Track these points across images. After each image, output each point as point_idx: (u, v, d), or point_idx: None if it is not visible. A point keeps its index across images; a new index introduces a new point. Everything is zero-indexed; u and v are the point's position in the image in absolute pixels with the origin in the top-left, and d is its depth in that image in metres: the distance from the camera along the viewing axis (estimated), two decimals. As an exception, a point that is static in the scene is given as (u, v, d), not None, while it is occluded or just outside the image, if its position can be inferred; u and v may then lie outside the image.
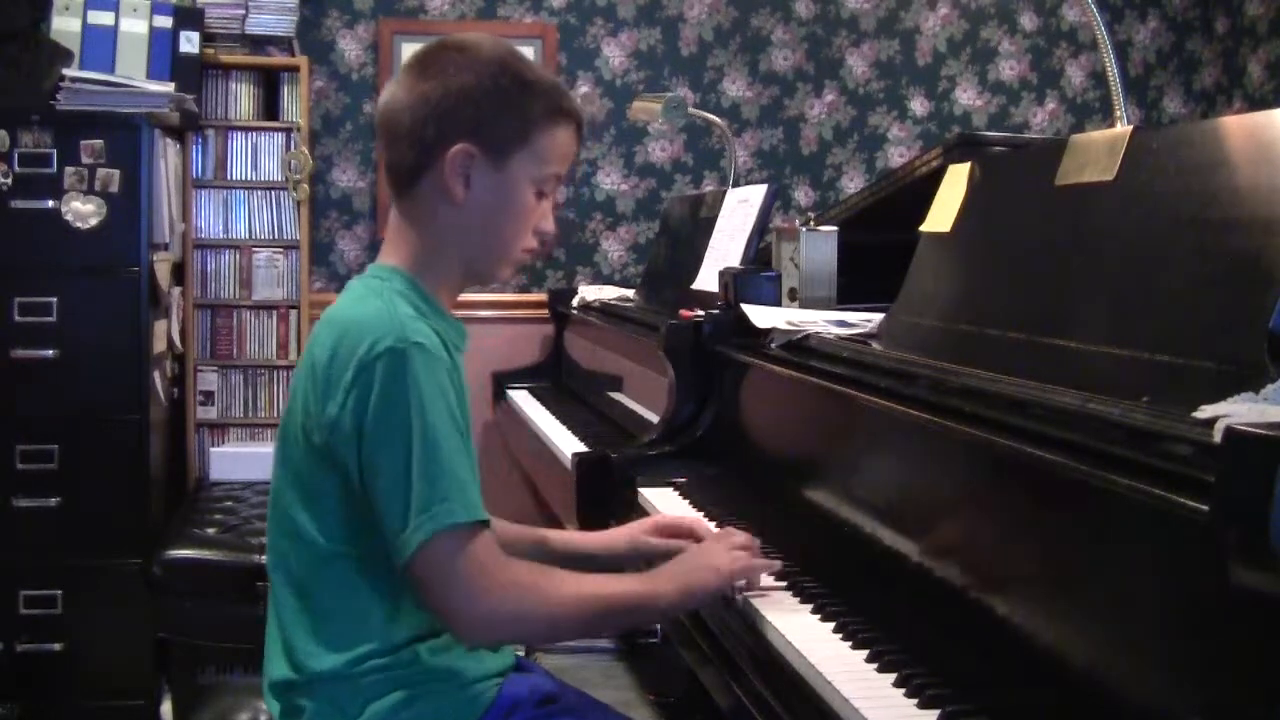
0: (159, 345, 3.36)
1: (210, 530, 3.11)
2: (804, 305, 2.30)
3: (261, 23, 3.73)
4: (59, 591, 3.15)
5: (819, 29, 4.20)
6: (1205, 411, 0.98)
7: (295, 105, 3.75)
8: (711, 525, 1.77)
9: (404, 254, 1.44)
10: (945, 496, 1.45)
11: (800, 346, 1.93)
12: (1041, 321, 1.49)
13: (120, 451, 3.20)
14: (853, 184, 4.19)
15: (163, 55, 3.48)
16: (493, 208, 1.42)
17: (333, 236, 4.02)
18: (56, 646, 3.14)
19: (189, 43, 3.52)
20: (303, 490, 1.38)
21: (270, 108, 3.79)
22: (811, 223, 2.38)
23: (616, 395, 2.97)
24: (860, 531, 1.63)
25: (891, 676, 1.22)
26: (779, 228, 2.45)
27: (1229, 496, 0.91)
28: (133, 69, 3.43)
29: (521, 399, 3.50)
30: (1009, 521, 1.30)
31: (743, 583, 1.50)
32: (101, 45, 3.43)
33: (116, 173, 3.19)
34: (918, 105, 4.27)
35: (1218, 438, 0.93)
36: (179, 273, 3.64)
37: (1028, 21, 4.31)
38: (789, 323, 2.01)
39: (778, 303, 2.33)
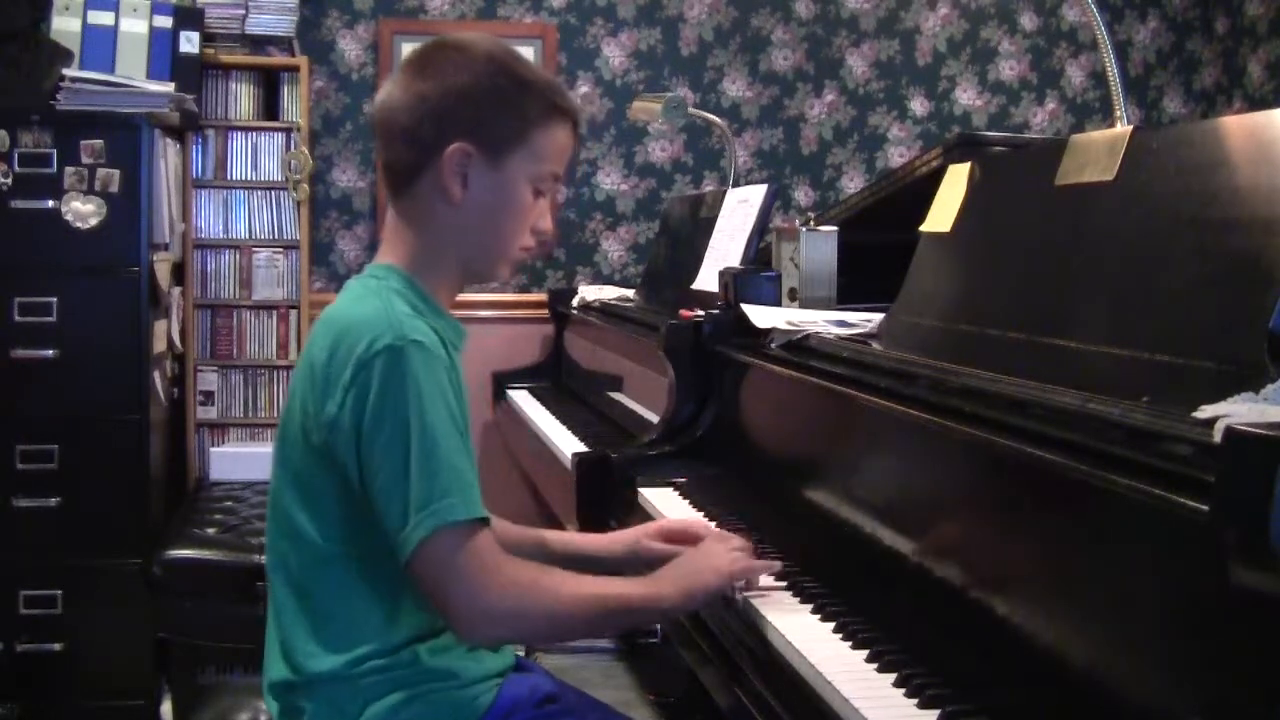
0: (159, 345, 3.36)
1: (210, 530, 3.10)
2: (804, 305, 2.30)
3: (261, 23, 3.73)
4: (59, 591, 3.15)
5: (819, 29, 4.20)
6: (1205, 411, 0.98)
7: (295, 105, 3.75)
8: (713, 526, 1.76)
9: (402, 253, 1.44)
10: (945, 496, 1.45)
11: (800, 346, 1.93)
12: (1041, 321, 1.48)
13: (120, 451, 3.20)
14: (853, 184, 4.19)
15: (163, 55, 3.48)
16: (491, 207, 1.42)
17: (333, 236, 4.02)
18: (56, 646, 3.14)
19: (189, 43, 3.52)
20: (302, 490, 1.38)
21: (270, 108, 3.79)
22: (811, 223, 2.38)
23: (616, 395, 2.97)
24: (860, 531, 1.63)
25: (891, 676, 1.22)
26: (779, 228, 2.45)
27: (1229, 496, 0.91)
28: (133, 69, 3.43)
29: (521, 399, 3.50)
30: (1009, 521, 1.30)
31: (742, 583, 1.50)
32: (101, 45, 3.43)
33: (116, 173, 3.19)
34: (918, 105, 4.27)
35: (1218, 438, 0.93)
36: (179, 273, 3.64)
37: (1028, 21, 4.31)
38: (789, 323, 2.01)
39: (778, 303, 2.33)
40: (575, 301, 3.47)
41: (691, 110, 3.44)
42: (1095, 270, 1.45)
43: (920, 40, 4.25)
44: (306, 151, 3.71)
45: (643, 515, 2.04)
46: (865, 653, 1.29)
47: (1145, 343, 1.28)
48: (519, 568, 1.34)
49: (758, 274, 2.39)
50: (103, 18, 3.44)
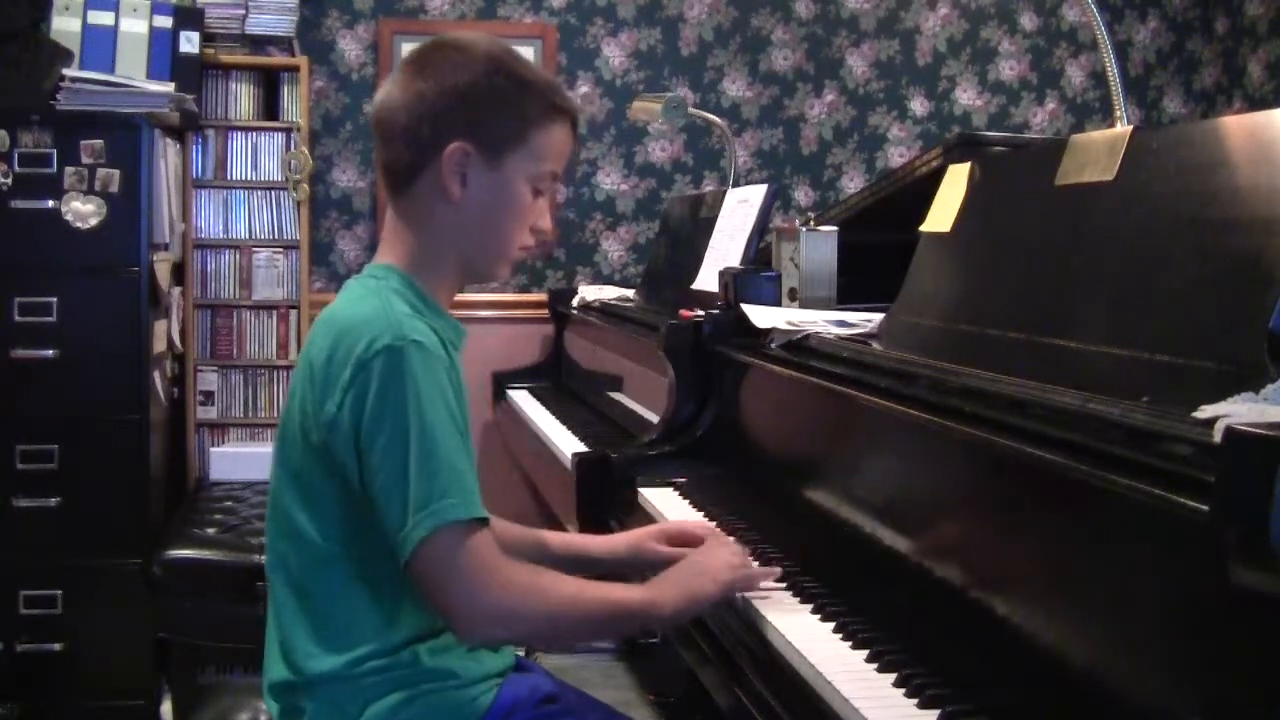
0: (159, 345, 3.36)
1: (210, 530, 3.10)
2: (804, 305, 2.30)
3: (261, 23, 3.73)
4: (59, 591, 3.15)
5: (819, 29, 4.20)
6: (1205, 411, 0.98)
7: (295, 105, 3.75)
8: (715, 529, 1.76)
9: (401, 253, 1.44)
10: (945, 496, 1.44)
11: (800, 346, 1.93)
12: (1041, 321, 1.48)
13: (120, 451, 3.20)
14: (853, 184, 4.19)
15: (163, 55, 3.48)
16: (489, 206, 1.42)
17: (333, 236, 4.02)
18: (56, 646, 3.14)
19: (189, 43, 3.52)
20: (301, 490, 1.38)
21: (270, 108, 3.79)
22: (811, 223, 2.38)
23: (616, 395, 2.97)
24: (860, 531, 1.63)
25: (891, 676, 1.22)
26: (779, 228, 2.45)
27: (1229, 496, 0.91)
28: (133, 69, 3.43)
29: (521, 399, 3.50)
30: (1009, 521, 1.30)
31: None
32: (101, 45, 3.43)
33: (116, 173, 3.19)
34: (918, 105, 4.27)
35: (1218, 438, 0.93)
36: (179, 273, 3.64)
37: (1028, 21, 4.31)
38: (789, 323, 2.01)
39: (778, 303, 2.33)
40: (575, 301, 3.47)
41: (691, 110, 3.44)
42: (1095, 270, 1.45)
43: (920, 40, 4.25)
44: (306, 151, 3.71)
45: (643, 515, 2.04)
46: (865, 653, 1.29)
47: (1145, 343, 1.28)
48: (519, 569, 1.34)
49: (758, 274, 2.39)
50: (103, 18, 3.44)
